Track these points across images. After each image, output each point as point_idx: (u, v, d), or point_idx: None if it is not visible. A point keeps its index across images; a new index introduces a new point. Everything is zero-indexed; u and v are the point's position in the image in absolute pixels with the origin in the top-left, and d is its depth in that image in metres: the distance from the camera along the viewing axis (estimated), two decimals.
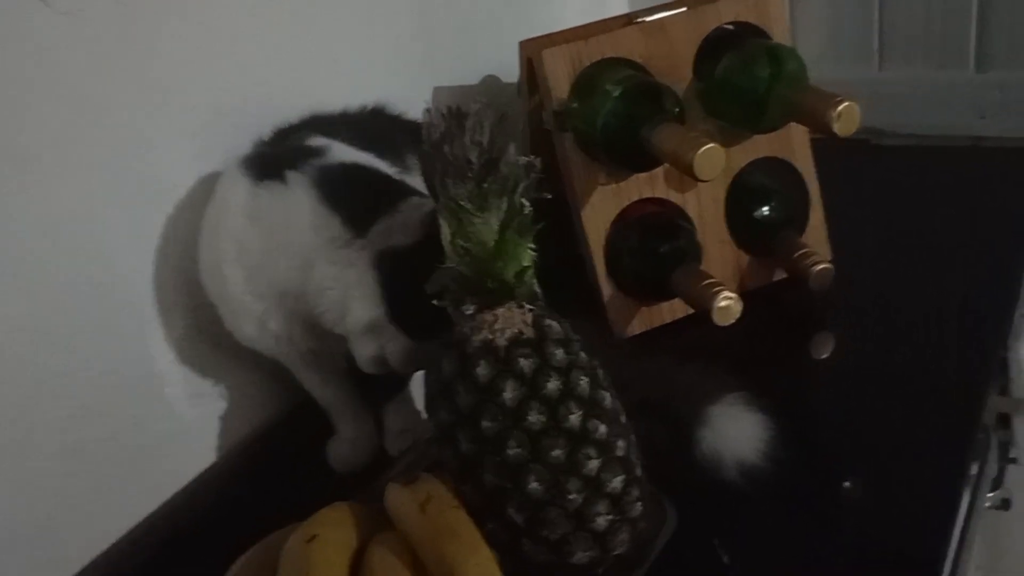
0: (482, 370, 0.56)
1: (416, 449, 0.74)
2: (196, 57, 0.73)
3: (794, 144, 0.92)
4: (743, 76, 0.85)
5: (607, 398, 0.59)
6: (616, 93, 0.81)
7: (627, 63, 0.86)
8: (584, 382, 0.57)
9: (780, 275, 0.94)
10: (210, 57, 0.74)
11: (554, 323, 0.59)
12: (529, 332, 0.57)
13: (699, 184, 0.89)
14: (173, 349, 0.74)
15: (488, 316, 0.57)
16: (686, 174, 0.75)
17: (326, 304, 0.66)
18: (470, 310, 0.57)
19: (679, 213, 0.89)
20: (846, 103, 0.76)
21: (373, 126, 0.80)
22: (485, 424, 0.56)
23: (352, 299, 0.65)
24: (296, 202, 0.66)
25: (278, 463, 0.76)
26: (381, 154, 0.74)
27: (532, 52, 0.85)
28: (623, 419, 0.60)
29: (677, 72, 0.86)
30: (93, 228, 0.67)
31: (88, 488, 0.67)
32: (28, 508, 0.63)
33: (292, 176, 0.67)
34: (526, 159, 0.54)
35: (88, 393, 0.67)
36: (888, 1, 1.21)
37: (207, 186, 0.72)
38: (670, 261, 0.86)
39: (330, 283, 0.66)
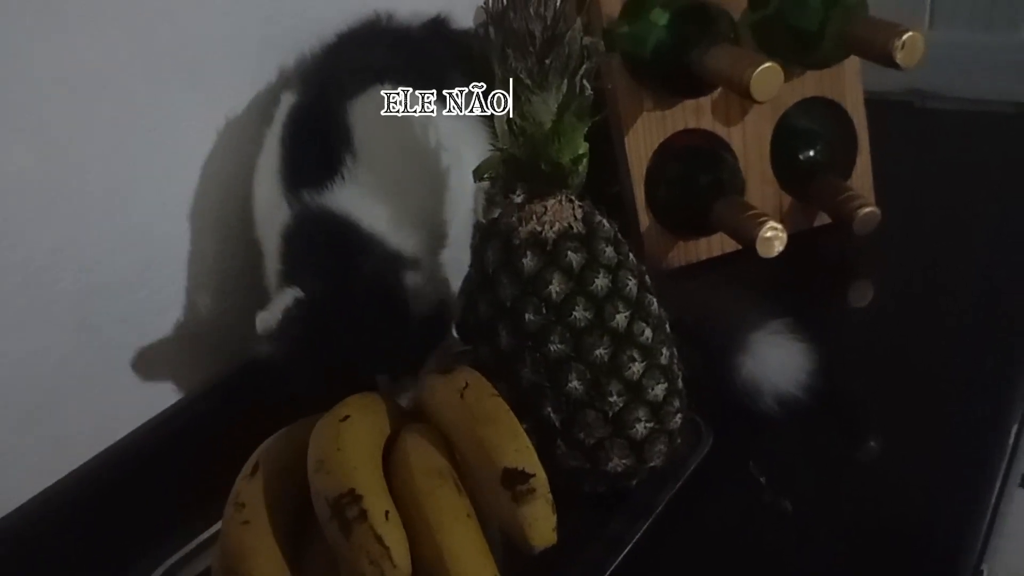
0: (528, 262, 0.53)
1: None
2: None
3: (845, 85, 0.89)
4: (799, 7, 0.82)
5: (654, 303, 0.57)
6: (669, 14, 0.79)
7: None
8: (632, 283, 0.55)
9: (822, 221, 0.91)
10: None
11: (605, 221, 0.56)
12: (579, 227, 0.55)
13: (745, 119, 0.87)
14: (203, 237, 0.71)
15: (537, 206, 0.54)
16: (741, 94, 0.72)
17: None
18: (519, 198, 0.54)
19: (724, 146, 0.86)
20: (910, 32, 0.73)
21: (427, 56, 0.73)
22: (528, 318, 0.53)
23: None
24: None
25: None
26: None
27: None
28: (667, 328, 0.58)
29: (730, 1, 0.83)
30: (118, 86, 0.64)
31: (101, 370, 0.64)
32: (37, 382, 0.61)
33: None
34: (590, 40, 0.51)
35: (108, 268, 0.64)
36: None
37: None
38: (712, 192, 0.83)
39: None
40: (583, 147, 0.53)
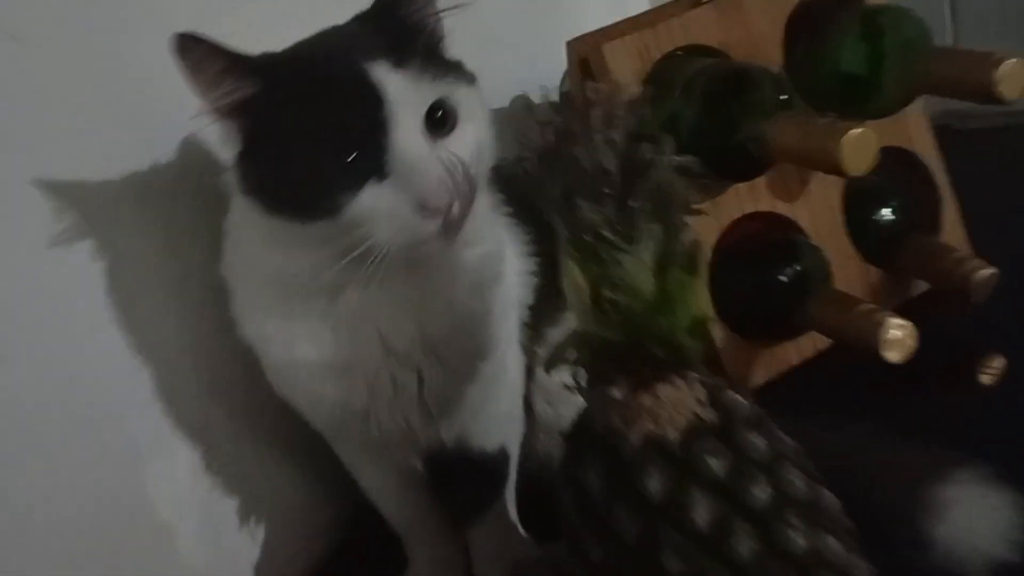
0: (653, 482, 0.37)
1: None
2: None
3: (911, 130, 0.76)
4: (847, 51, 0.68)
5: (827, 497, 0.40)
6: (701, 86, 0.65)
7: (704, 51, 0.69)
8: (799, 480, 0.39)
9: (918, 289, 0.76)
10: None
11: (737, 396, 0.40)
12: (709, 415, 0.39)
13: (808, 189, 0.72)
14: (180, 486, 0.55)
15: (646, 399, 0.38)
16: (827, 170, 0.58)
17: None
18: (619, 393, 0.38)
19: (791, 226, 0.71)
20: (1013, 59, 0.59)
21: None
22: (669, 563, 0.37)
23: None
24: None
25: None
26: None
27: (587, 50, 0.68)
28: (849, 524, 0.41)
29: (763, 57, 0.70)
30: (66, 317, 0.50)
31: None
32: None
33: None
34: (686, 157, 0.36)
35: (94, 532, 0.49)
36: None
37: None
38: (795, 289, 0.68)
39: None
40: (701, 307, 0.37)
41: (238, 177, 0.45)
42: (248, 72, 0.43)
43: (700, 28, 0.69)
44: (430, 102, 0.43)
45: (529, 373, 0.57)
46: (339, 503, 0.63)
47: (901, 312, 0.62)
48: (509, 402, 0.56)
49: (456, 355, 0.50)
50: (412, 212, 0.42)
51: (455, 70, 0.46)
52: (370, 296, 0.47)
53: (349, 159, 0.42)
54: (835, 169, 0.57)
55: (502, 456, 0.57)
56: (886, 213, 0.75)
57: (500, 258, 0.51)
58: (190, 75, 0.42)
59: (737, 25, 0.70)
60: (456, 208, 0.41)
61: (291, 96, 0.43)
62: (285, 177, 0.43)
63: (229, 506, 0.58)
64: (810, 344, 0.72)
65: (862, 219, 0.74)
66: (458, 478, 0.58)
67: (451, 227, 0.42)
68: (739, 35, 0.70)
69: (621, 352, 0.37)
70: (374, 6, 0.47)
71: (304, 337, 0.48)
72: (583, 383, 0.39)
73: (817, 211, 0.73)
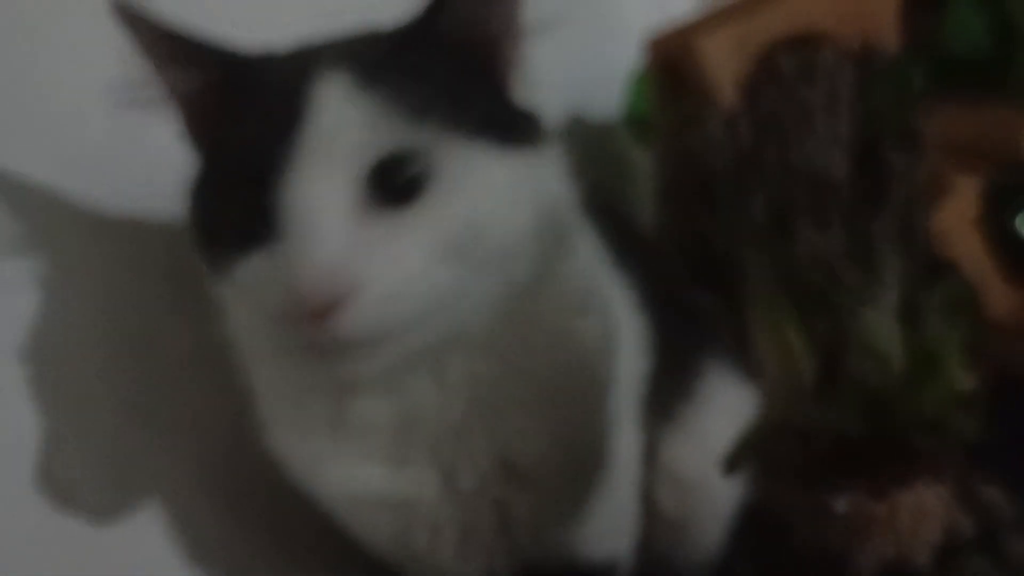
0: None
1: None
2: None
3: None
4: (963, 24, 0.57)
5: None
6: None
7: (809, 39, 0.58)
8: None
9: None
10: None
11: (994, 491, 0.28)
12: (965, 524, 0.27)
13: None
14: None
15: (879, 508, 0.27)
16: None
17: None
18: (843, 504, 0.27)
19: None
20: None
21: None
22: None
23: None
24: None
25: None
26: None
27: (675, 49, 0.57)
28: None
29: (880, 40, 0.58)
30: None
31: None
32: None
33: None
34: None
35: None
36: None
37: None
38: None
39: None
40: (964, 369, 0.26)
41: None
42: (199, 60, 0.32)
43: (808, 10, 0.58)
44: (387, 150, 0.29)
45: (648, 457, 0.45)
46: None
47: None
48: (622, 500, 0.43)
49: (553, 478, 0.37)
50: (278, 303, 0.29)
51: (481, 117, 0.31)
52: (409, 409, 0.34)
53: (260, 204, 0.30)
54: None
55: (610, 566, 0.45)
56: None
57: (610, 333, 0.37)
58: (136, 50, 0.32)
59: (848, 3, 0.59)
60: (342, 328, 0.28)
61: (224, 104, 0.32)
62: (200, 209, 0.33)
63: None
64: None
65: (1001, 229, 0.62)
66: None
67: (337, 349, 0.29)
68: (854, 10, 0.59)
69: (854, 446, 0.25)
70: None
71: (328, 460, 0.35)
72: (778, 488, 0.27)
73: (949, 221, 0.61)
